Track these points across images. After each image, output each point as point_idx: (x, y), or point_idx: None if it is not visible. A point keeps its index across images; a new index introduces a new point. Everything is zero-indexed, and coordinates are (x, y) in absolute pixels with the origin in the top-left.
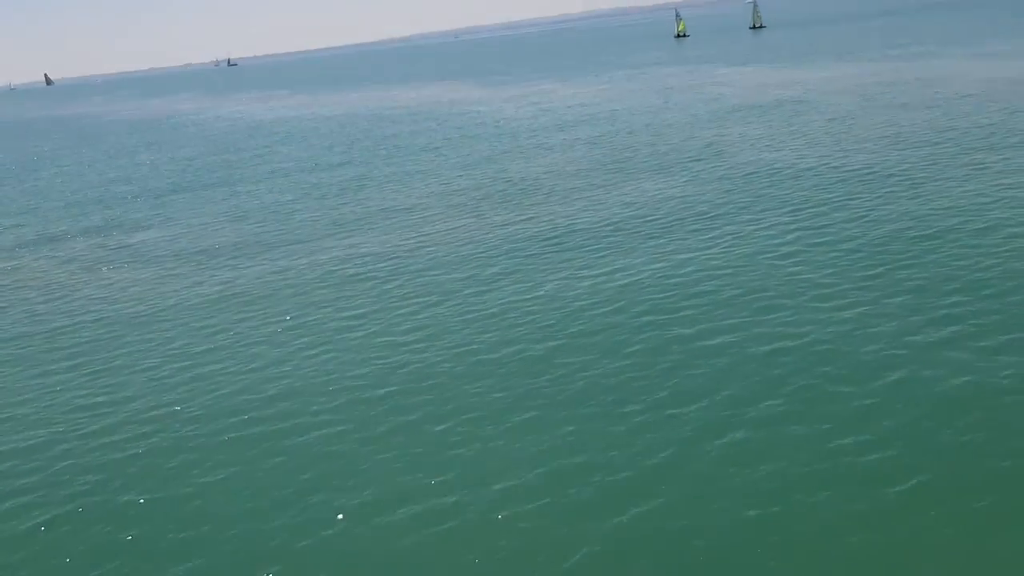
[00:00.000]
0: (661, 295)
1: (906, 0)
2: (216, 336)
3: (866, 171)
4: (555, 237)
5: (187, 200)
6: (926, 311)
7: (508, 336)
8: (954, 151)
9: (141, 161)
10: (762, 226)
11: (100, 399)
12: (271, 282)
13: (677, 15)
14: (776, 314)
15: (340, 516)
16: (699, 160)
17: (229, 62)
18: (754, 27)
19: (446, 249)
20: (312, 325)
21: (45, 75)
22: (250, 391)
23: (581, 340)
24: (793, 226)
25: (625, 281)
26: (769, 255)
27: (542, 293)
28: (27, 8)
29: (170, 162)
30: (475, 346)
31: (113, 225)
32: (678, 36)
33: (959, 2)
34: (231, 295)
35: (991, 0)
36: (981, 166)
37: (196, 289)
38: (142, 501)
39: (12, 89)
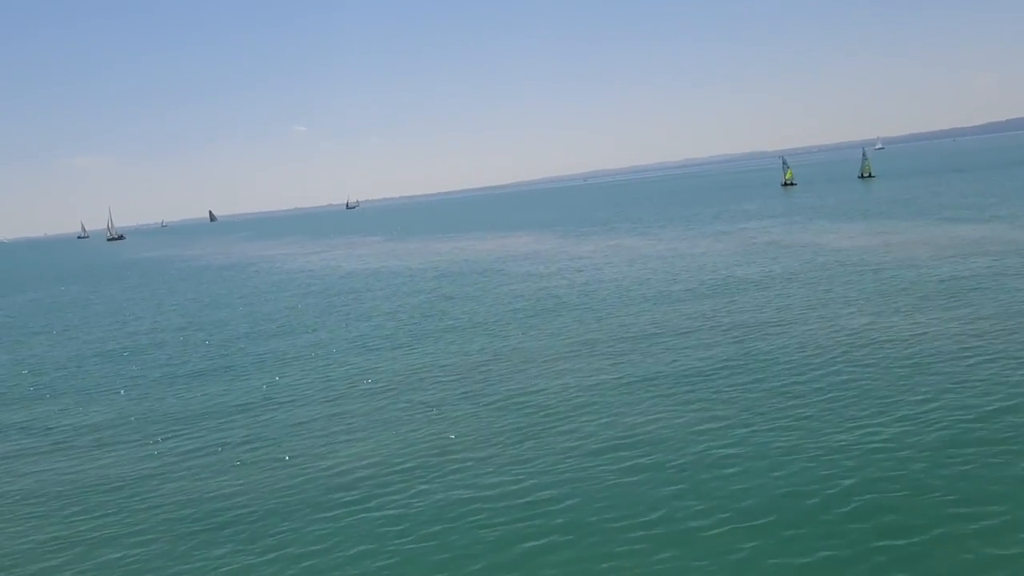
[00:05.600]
0: None
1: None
2: None
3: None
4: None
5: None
6: None
7: None
8: None
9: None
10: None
11: None
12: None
13: (784, 163)
14: None
15: None
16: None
17: (347, 205)
18: (862, 176)
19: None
20: None
21: (210, 212)
22: None
23: None
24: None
25: None
26: None
27: None
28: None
29: (184, 335)
30: None
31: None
32: (785, 184)
33: None
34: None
35: None
36: None
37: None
38: None
39: (164, 226)
